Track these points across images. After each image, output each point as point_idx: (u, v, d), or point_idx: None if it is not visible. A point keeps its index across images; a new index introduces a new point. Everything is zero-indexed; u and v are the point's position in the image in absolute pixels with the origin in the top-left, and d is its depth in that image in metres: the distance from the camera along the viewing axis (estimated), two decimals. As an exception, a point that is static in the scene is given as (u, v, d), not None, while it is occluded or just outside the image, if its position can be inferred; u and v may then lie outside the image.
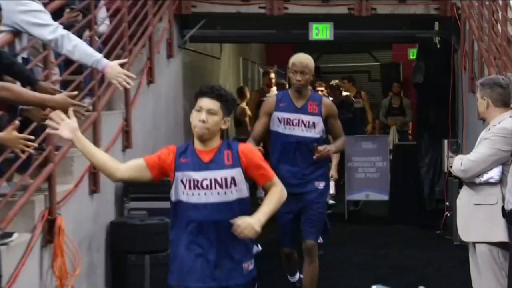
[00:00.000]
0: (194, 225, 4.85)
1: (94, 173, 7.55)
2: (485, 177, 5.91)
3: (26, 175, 6.21)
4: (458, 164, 6.06)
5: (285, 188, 6.58)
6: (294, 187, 7.05)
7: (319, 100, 7.39)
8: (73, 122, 4.72)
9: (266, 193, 5.05)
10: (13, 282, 5.47)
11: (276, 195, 4.94)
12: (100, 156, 4.84)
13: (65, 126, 4.68)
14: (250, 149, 4.98)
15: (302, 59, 7.28)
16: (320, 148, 7.10)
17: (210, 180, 4.85)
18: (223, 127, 4.89)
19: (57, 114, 4.71)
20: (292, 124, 7.29)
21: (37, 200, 6.38)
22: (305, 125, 7.27)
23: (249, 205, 4.92)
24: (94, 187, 7.61)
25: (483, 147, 5.97)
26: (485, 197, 5.85)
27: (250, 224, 4.64)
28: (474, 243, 6.07)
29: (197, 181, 4.85)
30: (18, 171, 6.13)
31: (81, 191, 7.33)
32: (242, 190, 4.89)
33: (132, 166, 4.90)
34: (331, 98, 10.73)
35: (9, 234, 5.66)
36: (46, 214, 6.44)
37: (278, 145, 7.41)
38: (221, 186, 4.84)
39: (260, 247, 8.99)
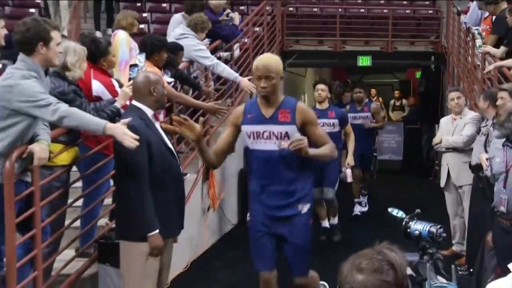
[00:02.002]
0: None
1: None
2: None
3: (195, 141, 6.33)
4: (454, 139, 5.77)
5: (264, 210, 3.70)
6: (273, 210, 3.67)
7: (293, 107, 3.63)
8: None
9: None
10: (187, 201, 5.57)
11: None
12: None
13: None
14: None
15: (266, 61, 3.59)
16: (292, 139, 3.37)
17: None
18: None
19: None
20: (263, 137, 3.67)
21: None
22: (277, 137, 3.62)
23: None
24: (232, 149, 7.64)
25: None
26: (469, 157, 5.57)
27: None
28: (460, 186, 5.86)
29: None
30: (191, 139, 6.27)
31: (224, 151, 7.42)
32: None
33: None
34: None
35: (185, 174, 5.79)
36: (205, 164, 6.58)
37: (251, 163, 3.84)
38: None
39: None
